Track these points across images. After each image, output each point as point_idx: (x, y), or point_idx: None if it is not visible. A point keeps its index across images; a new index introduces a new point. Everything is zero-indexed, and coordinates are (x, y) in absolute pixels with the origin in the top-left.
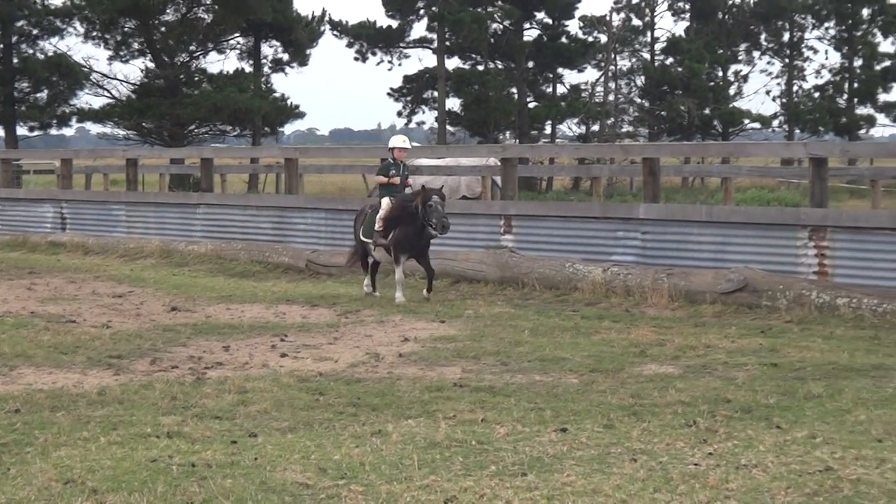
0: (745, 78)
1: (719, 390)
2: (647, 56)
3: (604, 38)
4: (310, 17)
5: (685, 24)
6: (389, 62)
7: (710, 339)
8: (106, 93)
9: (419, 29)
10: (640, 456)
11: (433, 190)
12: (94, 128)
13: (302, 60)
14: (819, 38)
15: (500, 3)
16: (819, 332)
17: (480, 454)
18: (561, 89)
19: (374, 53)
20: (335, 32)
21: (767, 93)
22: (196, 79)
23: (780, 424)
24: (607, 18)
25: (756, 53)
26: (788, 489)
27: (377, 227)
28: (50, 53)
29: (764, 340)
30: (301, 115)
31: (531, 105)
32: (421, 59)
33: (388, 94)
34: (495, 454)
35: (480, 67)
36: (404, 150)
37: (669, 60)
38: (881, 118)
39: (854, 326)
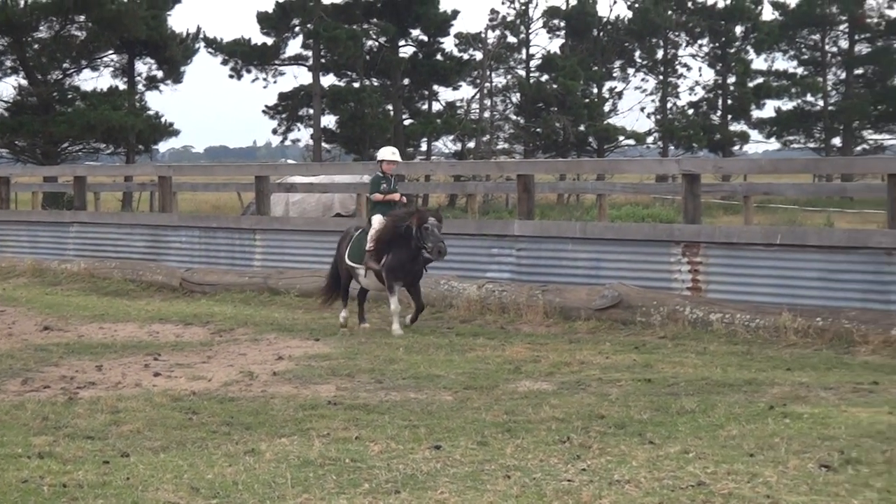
0: (620, 95)
1: (593, 406)
2: (522, 73)
3: (479, 56)
4: (184, 34)
5: (560, 41)
6: (265, 79)
7: (584, 356)
8: None
9: (294, 46)
10: (514, 472)
11: (430, 211)
12: None
13: (176, 78)
14: (693, 56)
15: (375, 20)
16: (692, 348)
17: (354, 472)
18: (436, 106)
19: (248, 71)
20: (210, 50)
21: (642, 109)
22: (69, 96)
23: (654, 440)
24: (482, 35)
25: (630, 70)
26: None
27: (368, 246)
28: None
29: (638, 356)
30: (175, 133)
31: (407, 122)
32: (296, 77)
33: (264, 111)
34: (369, 472)
35: (356, 84)
36: (393, 163)
37: (544, 77)
38: (755, 134)
39: (727, 342)
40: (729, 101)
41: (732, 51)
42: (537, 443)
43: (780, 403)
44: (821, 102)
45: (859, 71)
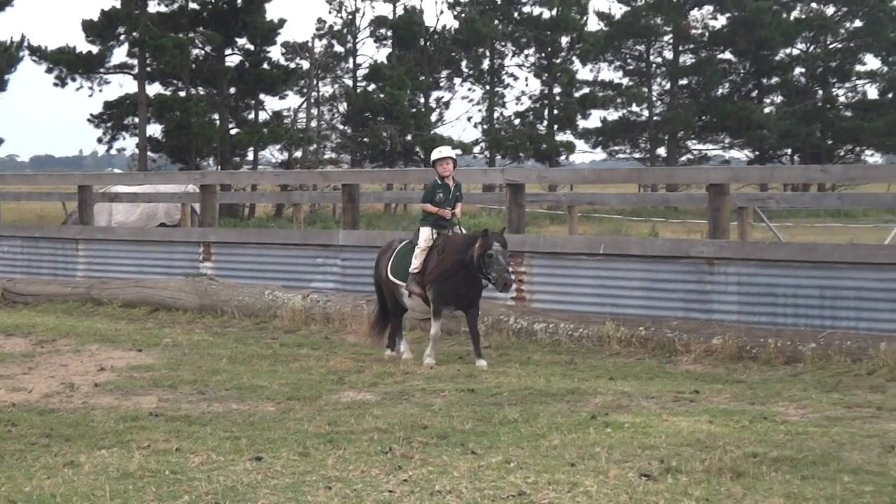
0: (447, 104)
1: (416, 417)
2: (349, 82)
3: (306, 65)
4: (8, 42)
5: (387, 50)
6: (90, 88)
7: (408, 366)
8: None
9: (120, 54)
10: (335, 483)
11: (496, 234)
12: None
13: (0, 86)
14: (519, 66)
15: (201, 28)
16: (516, 358)
17: (174, 484)
18: (263, 115)
19: (73, 79)
20: (34, 58)
21: (469, 119)
22: None
23: (476, 450)
24: (309, 45)
25: (457, 80)
26: None
27: (413, 267)
28: None
29: (462, 366)
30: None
31: (233, 131)
32: (122, 85)
33: (89, 119)
34: (189, 484)
35: (182, 93)
36: (447, 162)
37: (372, 87)
38: (581, 144)
39: (551, 351)
40: (555, 112)
41: (558, 61)
42: (359, 454)
43: (602, 413)
44: (646, 113)
45: (684, 81)
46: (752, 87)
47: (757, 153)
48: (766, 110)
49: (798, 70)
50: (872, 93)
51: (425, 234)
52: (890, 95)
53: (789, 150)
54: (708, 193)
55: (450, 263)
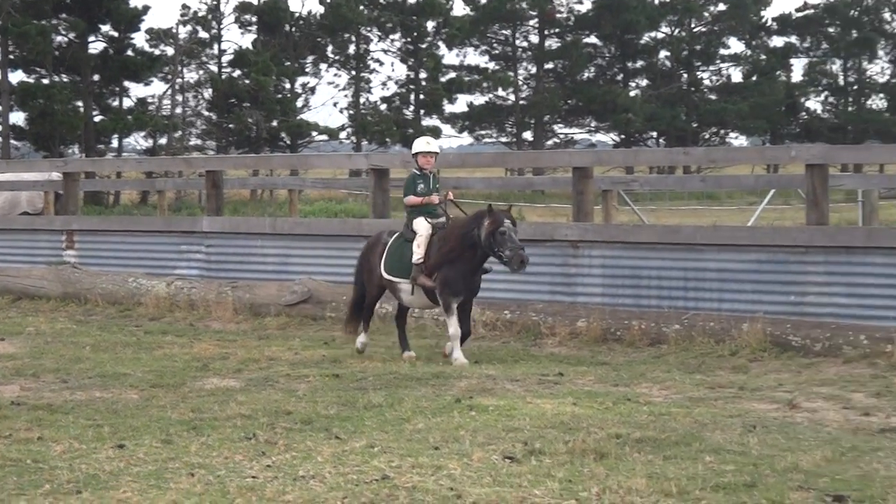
0: (313, 90)
1: (280, 402)
2: (214, 69)
3: (170, 51)
4: None
5: (252, 36)
6: None
7: (273, 352)
8: None
9: None
10: (198, 470)
11: (504, 212)
12: None
13: None
14: (385, 51)
15: (65, 15)
16: (382, 342)
17: (35, 473)
18: (128, 102)
19: None
20: None
21: (335, 105)
22: None
23: (340, 435)
24: (174, 31)
25: (323, 66)
26: (345, 499)
27: (417, 258)
28: None
29: (327, 352)
30: None
31: (98, 119)
32: None
33: None
34: (50, 472)
35: (46, 81)
36: (431, 156)
37: (237, 73)
38: (447, 129)
39: (416, 336)
40: (421, 96)
41: (424, 46)
42: (223, 440)
43: (467, 396)
44: (512, 97)
45: (549, 66)
46: (617, 71)
47: (623, 136)
48: (632, 94)
49: (663, 53)
50: (736, 76)
51: (421, 223)
52: (753, 78)
53: (655, 134)
54: (572, 177)
55: (455, 244)
